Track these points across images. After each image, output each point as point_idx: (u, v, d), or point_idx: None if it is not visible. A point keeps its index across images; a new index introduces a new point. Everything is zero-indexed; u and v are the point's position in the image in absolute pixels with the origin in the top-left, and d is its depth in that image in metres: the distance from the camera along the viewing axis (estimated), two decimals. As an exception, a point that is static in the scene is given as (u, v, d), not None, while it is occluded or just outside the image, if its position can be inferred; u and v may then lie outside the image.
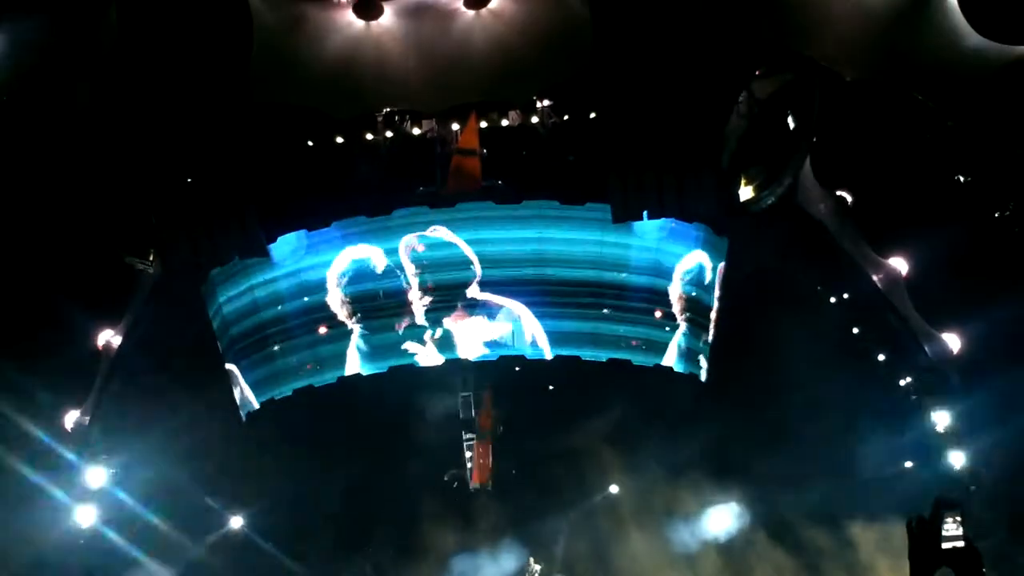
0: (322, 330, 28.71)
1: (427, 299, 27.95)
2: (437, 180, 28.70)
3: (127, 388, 29.95)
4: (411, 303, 27.93)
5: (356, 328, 27.98)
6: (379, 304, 27.89)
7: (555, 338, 28.11)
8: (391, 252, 28.19)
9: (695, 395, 29.63)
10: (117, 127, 26.43)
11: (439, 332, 27.90)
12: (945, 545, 15.40)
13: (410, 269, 28.18)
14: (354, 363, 28.45)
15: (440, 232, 27.91)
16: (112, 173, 27.25)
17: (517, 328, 27.84)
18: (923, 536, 15.29)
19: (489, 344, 27.95)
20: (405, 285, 28.02)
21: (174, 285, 29.31)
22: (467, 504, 30.55)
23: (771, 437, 29.87)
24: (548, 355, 28.01)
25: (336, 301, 28.32)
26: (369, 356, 28.26)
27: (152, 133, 26.62)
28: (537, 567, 29.55)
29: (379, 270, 28.20)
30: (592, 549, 30.90)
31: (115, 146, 26.87)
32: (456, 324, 27.88)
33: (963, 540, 15.44)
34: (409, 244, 27.98)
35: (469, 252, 28.10)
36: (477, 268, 27.97)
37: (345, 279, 28.14)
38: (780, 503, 30.26)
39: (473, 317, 27.88)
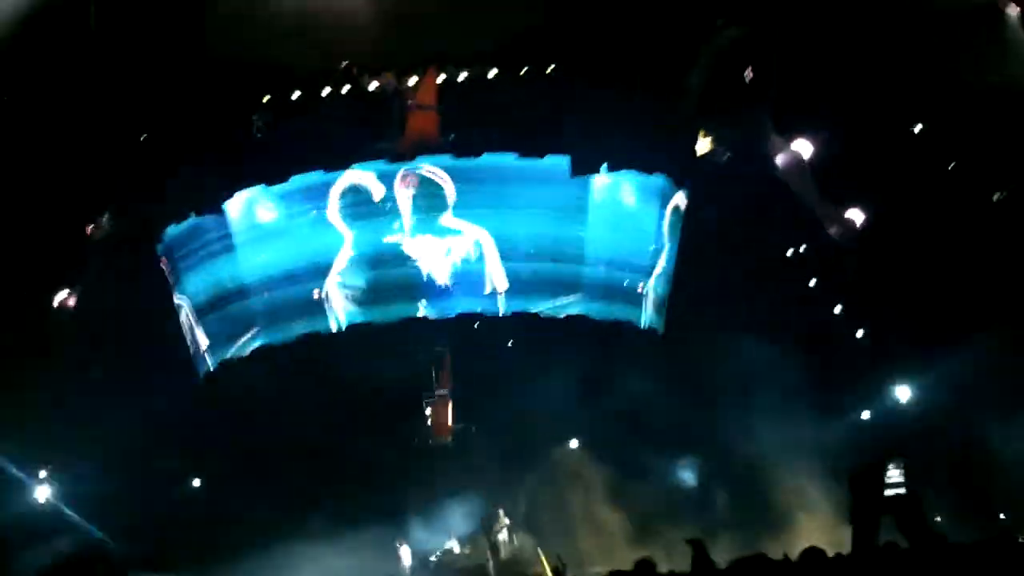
0: (287, 287, 28.34)
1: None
2: (395, 135, 28.49)
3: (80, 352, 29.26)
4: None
5: (338, 271, 27.71)
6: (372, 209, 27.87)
7: (514, 286, 28.04)
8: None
9: (653, 351, 29.56)
10: (68, 80, 26.30)
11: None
12: (888, 492, 15.36)
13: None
14: (331, 317, 28.20)
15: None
16: (63, 129, 26.88)
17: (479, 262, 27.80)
18: (865, 486, 15.03)
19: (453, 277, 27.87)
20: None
21: (127, 244, 29.00)
22: (426, 460, 29.85)
23: (720, 392, 29.53)
24: (501, 307, 28.04)
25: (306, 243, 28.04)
26: (358, 304, 27.96)
27: (105, 88, 26.44)
28: (507, 520, 29.30)
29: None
30: (554, 505, 30.64)
31: (65, 100, 26.64)
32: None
33: (904, 487, 15.46)
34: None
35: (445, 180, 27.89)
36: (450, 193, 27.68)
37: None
38: (732, 458, 29.96)
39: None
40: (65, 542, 26.01)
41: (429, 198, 27.54)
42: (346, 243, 27.76)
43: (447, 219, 27.63)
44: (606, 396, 29.02)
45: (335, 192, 27.74)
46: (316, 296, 27.92)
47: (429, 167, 27.41)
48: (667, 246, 29.39)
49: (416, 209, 27.56)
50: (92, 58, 26.09)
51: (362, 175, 27.55)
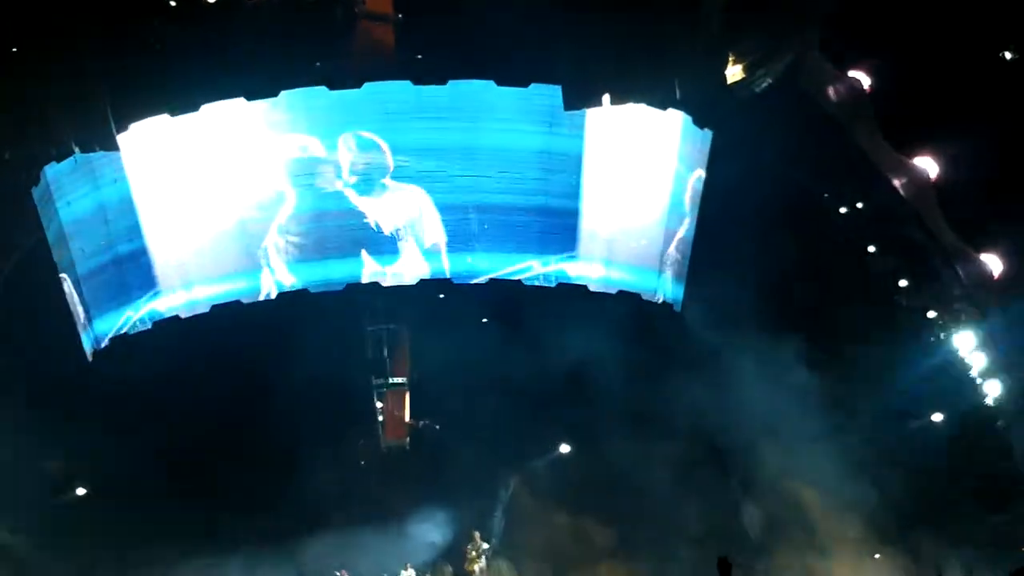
0: (203, 243, 24.79)
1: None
2: (339, 52, 25.27)
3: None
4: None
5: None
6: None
7: (481, 239, 24.91)
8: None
9: (669, 329, 26.37)
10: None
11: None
12: None
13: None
14: (262, 279, 24.78)
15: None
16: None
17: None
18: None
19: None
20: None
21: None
22: (378, 467, 27.28)
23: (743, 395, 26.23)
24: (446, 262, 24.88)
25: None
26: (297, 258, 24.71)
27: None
28: (484, 544, 26.49)
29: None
30: (538, 523, 27.31)
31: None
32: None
33: None
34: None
35: (380, 141, 24.68)
36: (389, 158, 24.56)
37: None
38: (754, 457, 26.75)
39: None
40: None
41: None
42: (288, 198, 24.77)
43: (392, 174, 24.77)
44: (603, 389, 26.19)
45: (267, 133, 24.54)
46: (243, 253, 24.72)
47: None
48: (690, 204, 26.28)
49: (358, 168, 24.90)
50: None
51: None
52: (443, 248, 24.67)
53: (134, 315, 25.14)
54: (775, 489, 26.18)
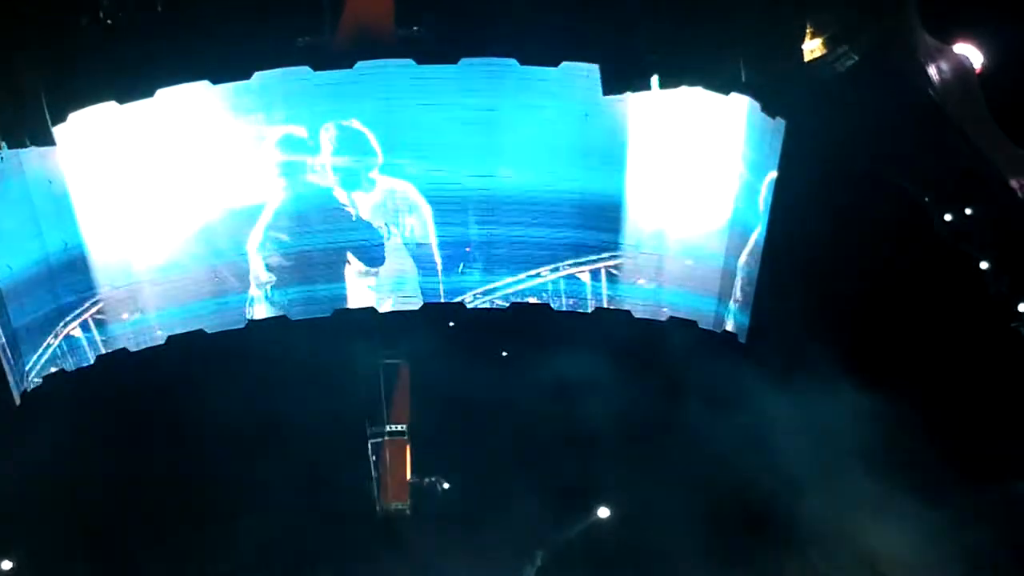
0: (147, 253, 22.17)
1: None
2: (325, 26, 22.80)
3: None
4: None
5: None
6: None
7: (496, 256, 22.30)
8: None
9: (731, 365, 23.47)
10: None
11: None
12: None
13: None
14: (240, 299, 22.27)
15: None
16: None
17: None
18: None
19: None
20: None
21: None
22: (371, 536, 23.56)
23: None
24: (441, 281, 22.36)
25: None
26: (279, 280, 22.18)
27: None
28: None
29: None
30: None
31: None
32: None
33: None
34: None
35: (370, 136, 22.21)
36: (381, 155, 22.08)
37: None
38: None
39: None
40: None
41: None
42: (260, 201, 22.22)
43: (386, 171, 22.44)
44: (649, 441, 23.31)
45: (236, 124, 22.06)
46: (206, 269, 22.15)
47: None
48: (754, 213, 23.91)
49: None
50: None
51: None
52: (439, 260, 22.17)
53: (73, 348, 22.24)
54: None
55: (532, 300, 22.33)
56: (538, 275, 22.35)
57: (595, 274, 22.64)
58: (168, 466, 22.88)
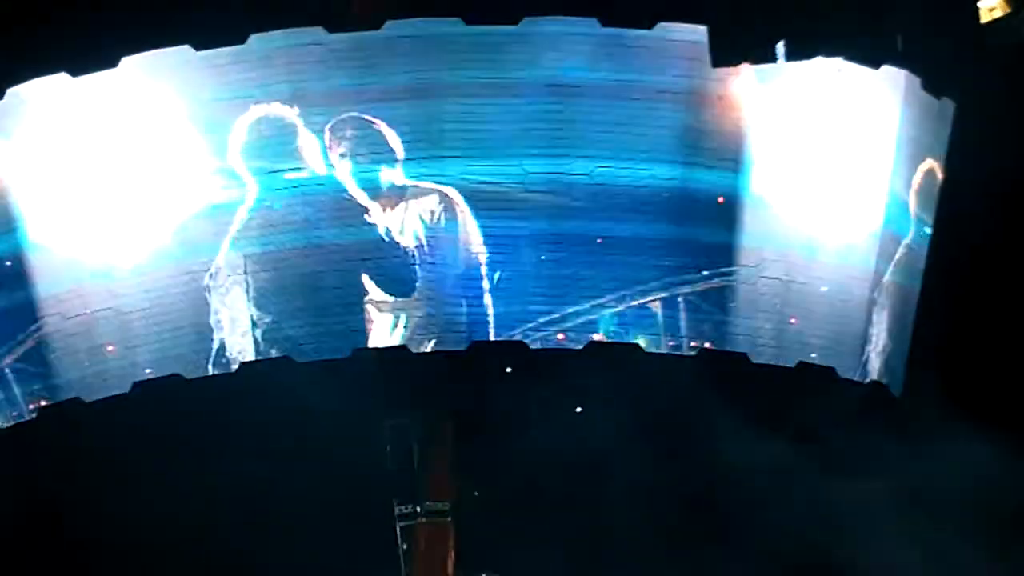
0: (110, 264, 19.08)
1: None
2: None
3: None
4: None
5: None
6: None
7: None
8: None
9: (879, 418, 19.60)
10: None
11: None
12: None
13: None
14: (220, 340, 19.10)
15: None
16: None
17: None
18: None
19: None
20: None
21: None
22: None
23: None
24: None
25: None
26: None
27: None
28: None
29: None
30: None
31: None
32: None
33: None
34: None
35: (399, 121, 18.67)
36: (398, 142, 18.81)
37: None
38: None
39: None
40: None
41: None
42: (248, 195, 19.17)
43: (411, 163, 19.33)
44: (774, 527, 18.78)
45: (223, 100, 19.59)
46: (182, 290, 19.07)
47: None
48: (918, 217, 20.51)
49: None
50: None
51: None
52: (486, 283, 18.55)
53: (19, 390, 18.27)
54: None
55: (606, 336, 18.63)
56: (622, 301, 18.68)
57: (697, 301, 18.57)
58: (169, 549, 18.58)
